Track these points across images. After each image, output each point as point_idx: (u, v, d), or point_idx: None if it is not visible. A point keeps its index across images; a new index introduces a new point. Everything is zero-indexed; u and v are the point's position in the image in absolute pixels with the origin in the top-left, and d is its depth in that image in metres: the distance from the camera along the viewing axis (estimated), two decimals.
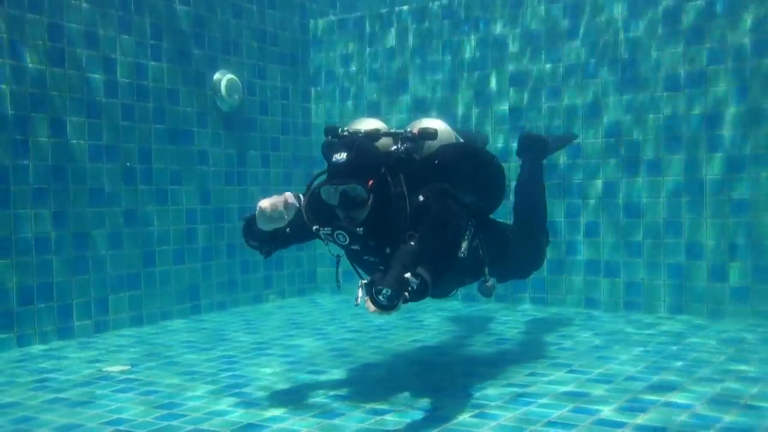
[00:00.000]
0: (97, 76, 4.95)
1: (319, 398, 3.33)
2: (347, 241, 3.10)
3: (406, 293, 2.80)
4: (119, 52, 5.10)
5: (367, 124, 3.46)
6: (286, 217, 3.07)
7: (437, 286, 3.25)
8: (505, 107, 5.81)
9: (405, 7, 6.29)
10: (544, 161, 4.60)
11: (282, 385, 3.57)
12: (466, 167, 3.45)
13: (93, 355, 4.29)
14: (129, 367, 3.99)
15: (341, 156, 3.09)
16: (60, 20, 4.74)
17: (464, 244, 3.30)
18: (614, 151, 5.38)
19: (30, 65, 4.57)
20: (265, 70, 6.26)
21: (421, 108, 6.10)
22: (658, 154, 5.25)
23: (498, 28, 5.83)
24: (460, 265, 3.33)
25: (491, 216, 3.81)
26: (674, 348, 4.16)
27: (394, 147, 3.37)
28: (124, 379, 3.73)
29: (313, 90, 6.72)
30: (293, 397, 3.34)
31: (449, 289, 3.70)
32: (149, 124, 5.29)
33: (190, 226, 5.56)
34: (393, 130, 3.45)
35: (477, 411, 3.08)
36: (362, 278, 3.02)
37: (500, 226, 3.86)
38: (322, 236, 3.18)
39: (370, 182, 3.08)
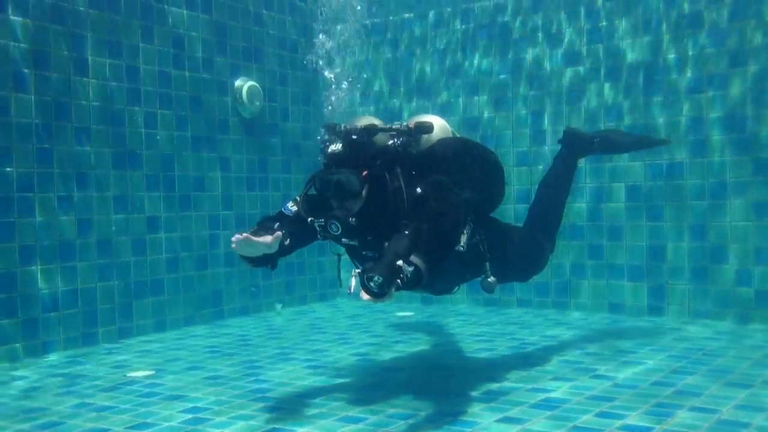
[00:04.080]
0: (120, 84, 4.99)
1: (342, 403, 3.33)
2: (339, 231, 3.12)
3: (399, 281, 2.80)
4: (142, 61, 5.14)
5: (365, 120, 3.45)
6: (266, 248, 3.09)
7: (437, 278, 3.24)
8: (523, 111, 5.80)
9: (424, 13, 6.30)
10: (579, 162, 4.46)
11: (305, 390, 3.57)
12: (463, 161, 3.43)
13: (118, 361, 4.33)
14: (153, 372, 4.01)
15: (336, 146, 3.12)
16: (83, 30, 4.79)
17: (463, 238, 3.27)
18: (636, 155, 5.34)
19: (54, 75, 4.62)
20: (285, 76, 6.29)
21: (444, 113, 6.09)
22: (680, 158, 5.22)
23: (517, 32, 5.83)
24: (460, 260, 3.33)
25: (493, 215, 3.79)
26: (699, 353, 4.12)
27: (391, 141, 3.36)
28: (149, 384, 3.75)
29: (333, 96, 6.72)
30: (317, 402, 3.35)
31: (451, 285, 3.68)
32: (172, 131, 5.33)
33: (212, 232, 5.59)
34: (389, 125, 3.44)
35: (501, 415, 3.07)
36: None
37: (502, 225, 3.83)
38: (318, 229, 3.19)
39: (365, 173, 3.09)
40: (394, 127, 3.41)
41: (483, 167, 3.58)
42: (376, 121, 3.45)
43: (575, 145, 4.31)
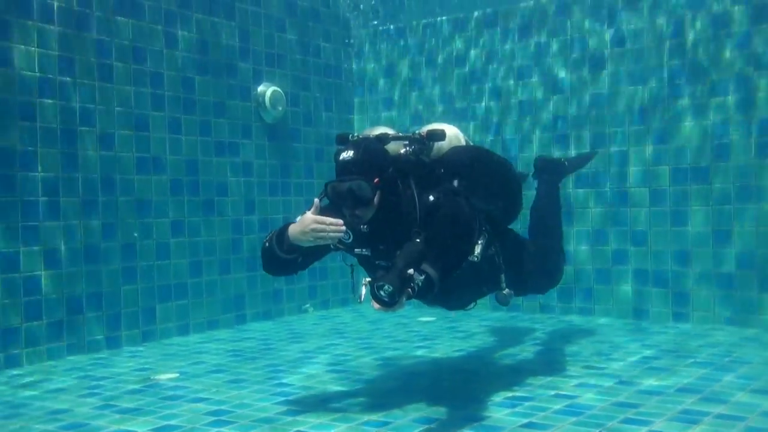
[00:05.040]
0: (144, 90, 5.03)
1: (365, 407, 3.33)
2: (351, 239, 3.11)
3: (410, 290, 2.78)
4: (166, 66, 5.18)
5: (378, 130, 3.45)
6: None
7: (453, 292, 3.23)
8: (550, 116, 5.78)
9: (446, 17, 6.30)
10: (560, 184, 4.50)
11: (328, 394, 3.57)
12: (476, 169, 3.41)
13: (141, 364, 4.35)
14: (177, 375, 4.03)
15: (348, 154, 3.12)
16: (108, 36, 4.83)
17: (478, 249, 3.25)
18: (661, 159, 5.31)
19: (79, 80, 4.66)
20: (308, 81, 6.31)
21: (464, 118, 6.10)
22: (705, 162, 5.18)
23: (543, 38, 5.81)
24: (476, 272, 3.31)
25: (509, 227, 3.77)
26: (726, 359, 4.07)
27: (404, 150, 3.35)
28: (173, 387, 3.77)
29: (356, 101, 6.75)
30: (340, 406, 3.34)
31: (468, 300, 3.65)
32: (195, 136, 5.36)
33: (235, 237, 5.61)
34: (402, 134, 3.43)
35: (526, 420, 3.05)
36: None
37: (518, 237, 3.80)
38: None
39: (376, 180, 3.08)
40: (406, 135, 3.41)
41: (497, 176, 3.56)
42: (390, 131, 3.44)
43: (550, 172, 4.37)
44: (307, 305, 6.14)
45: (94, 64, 4.75)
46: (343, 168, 3.13)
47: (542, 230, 4.16)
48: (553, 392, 3.48)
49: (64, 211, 4.56)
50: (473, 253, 3.23)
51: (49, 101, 4.51)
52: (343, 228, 3.07)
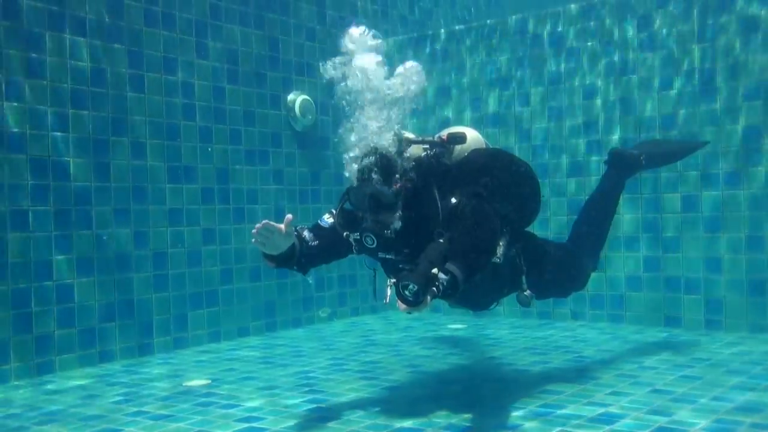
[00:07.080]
0: (175, 100, 5.08)
1: (395, 414, 3.32)
2: (374, 244, 3.12)
3: (435, 289, 2.79)
4: (197, 76, 5.23)
5: None
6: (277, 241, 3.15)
7: (475, 292, 3.22)
8: (579, 121, 5.75)
9: (474, 24, 6.30)
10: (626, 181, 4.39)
11: (359, 402, 3.57)
12: (496, 172, 3.41)
13: (173, 370, 4.38)
14: (210, 381, 4.05)
15: (370, 160, 3.13)
16: (140, 48, 4.89)
17: (500, 250, 3.25)
18: (693, 164, 5.25)
19: (111, 91, 4.72)
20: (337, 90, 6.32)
21: (493, 124, 6.09)
22: (738, 166, 5.12)
23: (570, 41, 5.78)
24: (497, 273, 3.32)
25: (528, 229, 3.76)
26: (758, 368, 4.02)
27: (424, 153, 3.36)
28: (205, 393, 3.79)
29: None
30: (371, 413, 3.35)
31: (489, 301, 3.65)
32: (226, 145, 5.40)
33: None
34: (423, 138, 3.44)
35: (558, 429, 3.03)
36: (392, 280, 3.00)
37: (537, 239, 3.79)
38: (353, 243, 3.20)
39: (398, 185, 3.09)
40: (426, 139, 3.42)
41: (516, 179, 3.55)
42: (410, 135, 3.46)
43: (622, 166, 4.26)
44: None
45: (126, 75, 4.81)
46: (365, 173, 3.14)
47: (585, 232, 4.13)
48: (585, 401, 3.45)
49: (96, 221, 4.62)
50: (496, 253, 3.23)
51: (82, 112, 4.57)
52: (260, 227, 3.10)
